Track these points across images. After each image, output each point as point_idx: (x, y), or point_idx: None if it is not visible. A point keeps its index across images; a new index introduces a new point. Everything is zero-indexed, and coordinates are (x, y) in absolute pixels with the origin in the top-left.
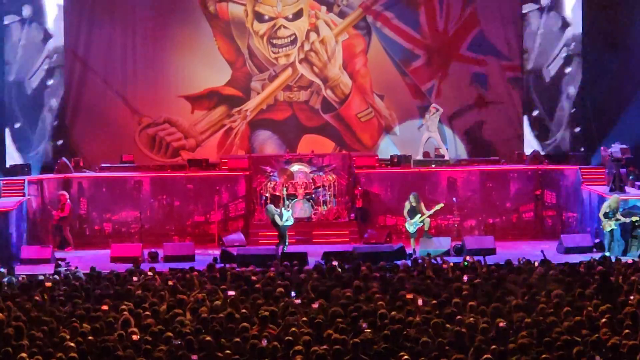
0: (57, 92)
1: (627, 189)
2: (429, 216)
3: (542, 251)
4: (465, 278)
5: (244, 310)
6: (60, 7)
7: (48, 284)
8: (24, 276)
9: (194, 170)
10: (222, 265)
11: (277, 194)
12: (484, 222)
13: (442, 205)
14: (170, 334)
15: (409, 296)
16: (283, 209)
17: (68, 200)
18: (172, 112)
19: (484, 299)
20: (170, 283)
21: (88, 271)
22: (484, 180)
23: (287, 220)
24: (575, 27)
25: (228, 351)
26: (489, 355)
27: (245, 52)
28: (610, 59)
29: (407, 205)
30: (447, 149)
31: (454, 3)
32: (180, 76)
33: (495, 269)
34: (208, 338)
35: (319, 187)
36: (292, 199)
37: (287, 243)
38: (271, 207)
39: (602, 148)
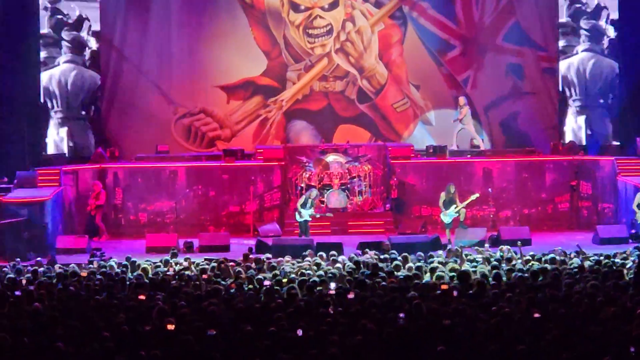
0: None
1: None
2: (465, 207)
3: (578, 245)
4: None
5: (279, 300)
6: None
7: (83, 274)
8: (60, 265)
9: (229, 160)
10: (257, 255)
11: (313, 184)
12: (520, 212)
13: (477, 195)
14: (204, 323)
15: (444, 287)
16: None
17: (102, 189)
18: (207, 102)
19: (519, 290)
20: (205, 274)
21: (123, 261)
22: (519, 170)
23: (304, 217)
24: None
25: (263, 341)
26: (524, 346)
27: (281, 42)
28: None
29: (442, 196)
30: (482, 139)
31: None
32: (216, 66)
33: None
34: (243, 328)
35: (354, 177)
36: (328, 189)
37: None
38: (315, 191)
39: (637, 139)
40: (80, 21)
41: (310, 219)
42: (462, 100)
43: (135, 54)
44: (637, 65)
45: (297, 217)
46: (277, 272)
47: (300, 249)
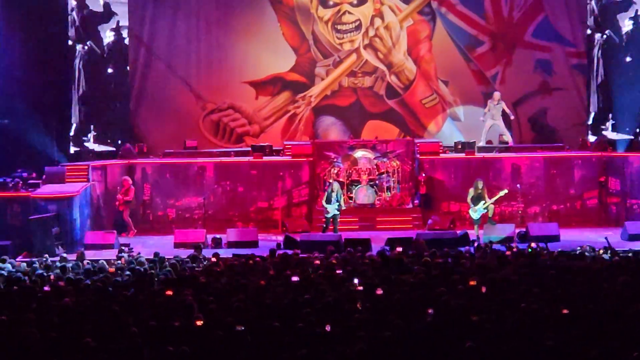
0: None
1: None
2: (493, 203)
3: (606, 238)
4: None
5: (307, 296)
6: None
7: (111, 270)
8: (89, 261)
9: (258, 156)
10: (286, 251)
11: (341, 179)
12: (548, 208)
13: (505, 191)
14: (232, 319)
15: (472, 283)
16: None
17: (132, 185)
18: (236, 98)
19: (546, 286)
20: (234, 269)
21: (152, 257)
22: (547, 166)
23: (330, 212)
24: None
25: (291, 337)
26: (552, 343)
27: (309, 37)
28: None
29: (471, 192)
30: (511, 135)
31: None
32: (244, 62)
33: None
34: (271, 324)
35: (382, 173)
36: (356, 185)
37: (332, 228)
38: (336, 184)
39: None
40: (108, 15)
41: (338, 213)
42: (497, 95)
43: (163, 50)
44: None
45: (325, 214)
46: (305, 267)
47: (328, 244)
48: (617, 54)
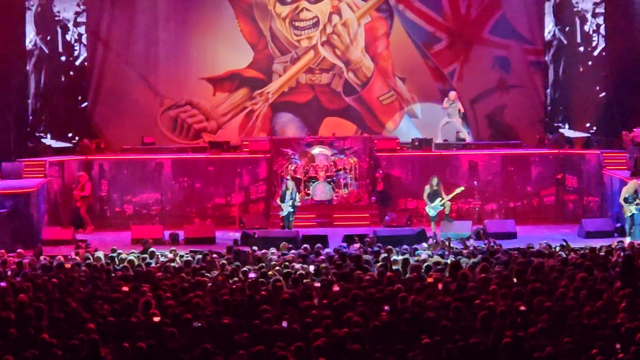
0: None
1: None
2: (450, 200)
3: (564, 240)
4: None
5: (263, 293)
6: None
7: (68, 265)
8: (45, 257)
9: (215, 152)
10: (243, 247)
11: (298, 176)
12: (505, 205)
13: (462, 188)
14: (190, 316)
15: (429, 280)
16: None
17: (88, 180)
18: (193, 94)
19: (504, 283)
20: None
21: (109, 252)
22: (505, 164)
23: (284, 210)
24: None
25: (248, 333)
26: (509, 339)
27: (267, 34)
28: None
29: (427, 189)
30: (468, 132)
31: None
32: (202, 58)
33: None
34: (227, 320)
35: (340, 170)
36: (313, 182)
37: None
38: (290, 182)
39: (623, 132)
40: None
41: (292, 211)
42: (453, 94)
43: (121, 46)
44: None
45: (280, 212)
46: (263, 264)
47: (285, 241)
48: (575, 52)
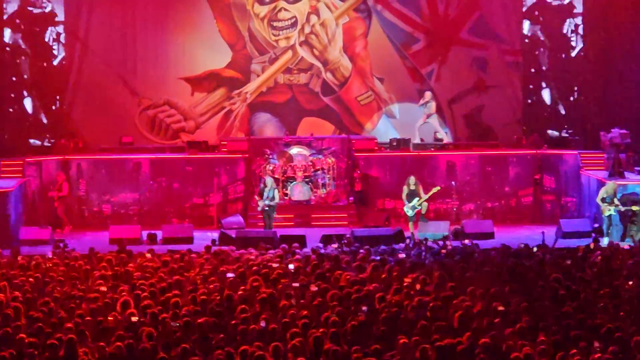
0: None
1: (627, 174)
2: (426, 200)
3: (543, 232)
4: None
5: (241, 293)
6: None
7: (46, 265)
8: (23, 257)
9: (193, 152)
10: (221, 247)
11: (276, 176)
12: (483, 206)
13: (438, 188)
14: (168, 315)
15: (407, 280)
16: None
17: (65, 180)
18: (172, 94)
19: (481, 283)
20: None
21: (87, 252)
22: (483, 164)
23: (259, 206)
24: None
25: (226, 333)
26: (487, 340)
27: (245, 34)
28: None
29: (405, 189)
30: (446, 132)
31: None
32: (181, 58)
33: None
34: (205, 320)
35: (318, 170)
36: (291, 182)
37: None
38: (269, 180)
39: (601, 133)
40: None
41: (269, 209)
42: (428, 94)
43: (99, 46)
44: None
45: (257, 208)
46: (240, 264)
47: (263, 241)
48: (554, 53)
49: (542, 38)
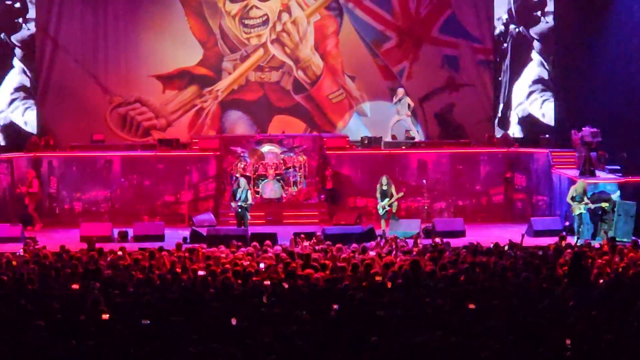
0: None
1: (597, 172)
2: (395, 201)
3: (522, 234)
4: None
5: (212, 290)
6: None
7: (17, 262)
8: None
9: (165, 150)
10: (192, 245)
11: (248, 174)
12: (454, 204)
13: (401, 194)
14: (139, 313)
15: (378, 278)
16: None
17: (35, 177)
18: (143, 92)
19: (452, 281)
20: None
21: (57, 250)
22: (454, 162)
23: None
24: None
25: (197, 331)
26: (457, 338)
27: (217, 32)
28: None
29: (378, 188)
30: (417, 131)
31: None
32: (152, 56)
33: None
34: (177, 318)
35: (289, 167)
36: (263, 180)
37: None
38: (242, 180)
39: (572, 131)
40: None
41: (245, 207)
42: (401, 91)
43: (70, 43)
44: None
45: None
46: (211, 262)
47: (234, 239)
48: (529, 50)
49: (514, 36)
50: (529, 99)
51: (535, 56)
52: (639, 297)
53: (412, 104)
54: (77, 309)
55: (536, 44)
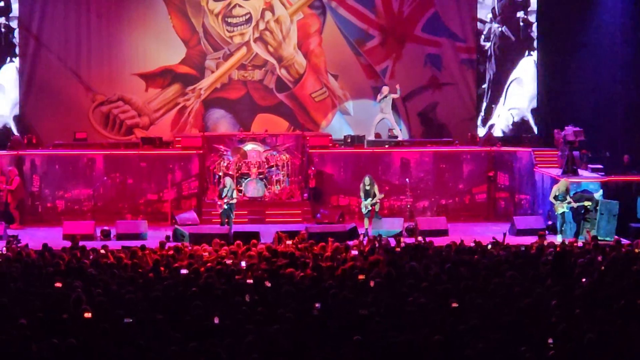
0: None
1: (580, 171)
2: (377, 201)
3: (503, 234)
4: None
5: (194, 289)
6: None
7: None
8: None
9: (148, 148)
10: (175, 243)
11: (231, 172)
12: (437, 203)
13: (382, 195)
14: (121, 312)
15: (361, 277)
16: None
17: (17, 176)
18: (126, 90)
19: (435, 280)
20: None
21: (40, 248)
22: (437, 161)
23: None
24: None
25: (180, 329)
26: (440, 336)
27: (200, 30)
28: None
29: (361, 187)
30: (400, 129)
31: None
32: (135, 54)
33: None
34: (159, 316)
35: (272, 166)
36: (245, 178)
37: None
38: (228, 180)
39: (555, 130)
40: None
41: (227, 209)
42: (386, 89)
43: (53, 41)
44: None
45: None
46: (194, 260)
47: (217, 237)
48: (512, 50)
49: (499, 35)
50: (517, 97)
51: (524, 56)
52: (621, 296)
53: (398, 93)
54: (60, 308)
55: (523, 42)
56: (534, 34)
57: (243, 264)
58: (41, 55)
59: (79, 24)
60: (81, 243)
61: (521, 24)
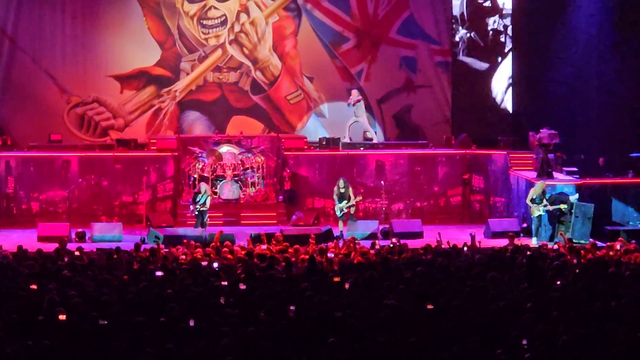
0: None
1: (555, 174)
2: (352, 205)
3: (471, 234)
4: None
5: (169, 291)
6: None
7: None
8: None
9: (123, 150)
10: (150, 245)
11: (206, 174)
12: (412, 205)
13: (360, 198)
14: (96, 314)
15: (336, 279)
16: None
17: None
18: (101, 92)
19: (412, 282)
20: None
21: (15, 250)
22: (412, 163)
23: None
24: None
25: (155, 331)
26: (415, 338)
27: (175, 32)
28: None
29: (335, 190)
30: (375, 132)
31: None
32: (110, 56)
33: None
34: (134, 319)
35: (247, 168)
36: (220, 181)
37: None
38: (204, 185)
39: (530, 133)
40: None
41: (204, 211)
42: (355, 92)
43: (28, 43)
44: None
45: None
46: (170, 262)
47: (192, 240)
48: (481, 55)
49: (473, 38)
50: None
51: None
52: (596, 298)
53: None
54: (35, 309)
55: (492, 47)
56: (505, 39)
57: (215, 265)
58: (16, 56)
59: (54, 25)
60: (55, 245)
61: (490, 28)
